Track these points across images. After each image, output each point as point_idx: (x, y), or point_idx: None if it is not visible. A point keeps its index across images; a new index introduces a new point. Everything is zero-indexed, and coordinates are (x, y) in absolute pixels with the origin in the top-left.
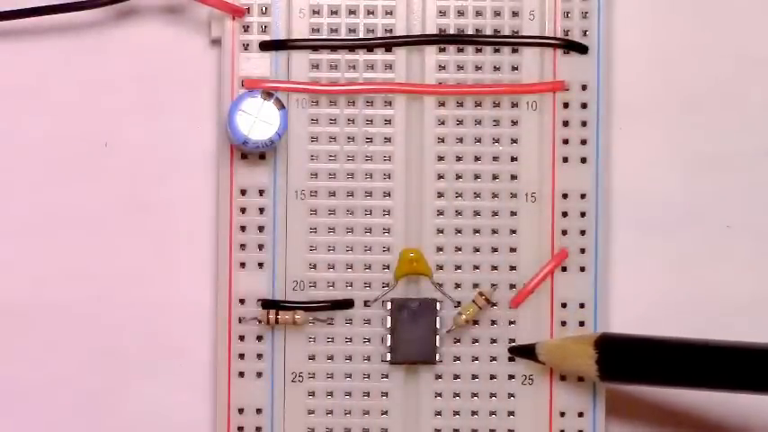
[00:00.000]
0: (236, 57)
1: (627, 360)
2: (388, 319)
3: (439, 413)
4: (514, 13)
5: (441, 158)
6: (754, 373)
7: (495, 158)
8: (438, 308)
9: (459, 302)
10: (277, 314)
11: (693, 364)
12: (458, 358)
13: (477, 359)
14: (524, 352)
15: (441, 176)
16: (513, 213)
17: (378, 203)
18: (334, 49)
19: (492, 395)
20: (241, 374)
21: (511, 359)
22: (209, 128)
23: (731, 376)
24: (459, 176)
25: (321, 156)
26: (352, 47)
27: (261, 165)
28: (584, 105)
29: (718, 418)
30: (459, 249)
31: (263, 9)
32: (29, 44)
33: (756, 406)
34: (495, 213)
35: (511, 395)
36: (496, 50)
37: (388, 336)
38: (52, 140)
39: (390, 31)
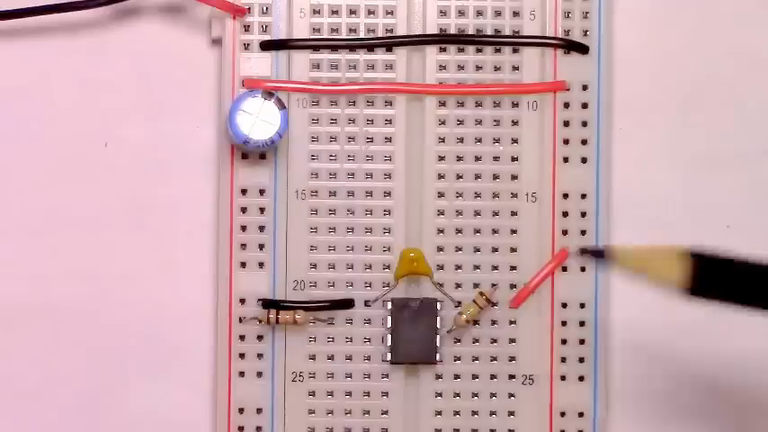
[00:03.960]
0: (236, 56)
1: (719, 277)
2: (389, 318)
3: (439, 413)
4: (515, 13)
5: (441, 158)
6: None
7: (495, 158)
8: (438, 308)
9: (459, 302)
10: (277, 314)
11: None
12: (458, 358)
13: (477, 359)
14: (599, 252)
15: (441, 176)
16: (514, 213)
17: (378, 203)
18: (334, 48)
19: (492, 395)
20: (241, 374)
21: (511, 359)
22: (210, 128)
23: None
24: (459, 176)
25: (322, 155)
26: (352, 47)
27: (261, 164)
28: (584, 105)
29: (720, 419)
30: (460, 249)
31: (264, 9)
32: (29, 44)
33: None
34: (495, 213)
35: (511, 395)
36: (497, 50)
37: (389, 335)
38: (52, 140)
39: (391, 30)
